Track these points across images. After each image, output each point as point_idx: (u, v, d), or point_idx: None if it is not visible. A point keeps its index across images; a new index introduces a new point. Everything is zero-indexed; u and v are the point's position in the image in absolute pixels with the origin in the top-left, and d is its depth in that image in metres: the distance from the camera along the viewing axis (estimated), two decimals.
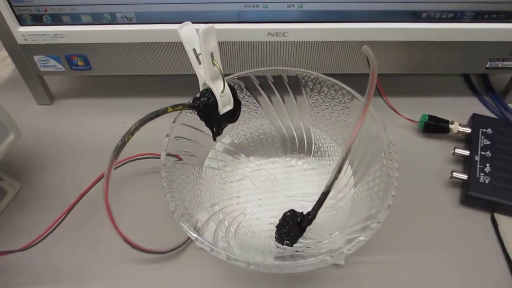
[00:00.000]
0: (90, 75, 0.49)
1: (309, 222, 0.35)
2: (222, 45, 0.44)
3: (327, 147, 0.42)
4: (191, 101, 0.35)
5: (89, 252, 0.40)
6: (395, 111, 0.48)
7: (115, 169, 0.42)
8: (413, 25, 0.43)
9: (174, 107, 0.35)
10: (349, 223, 0.35)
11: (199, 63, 0.35)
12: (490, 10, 0.42)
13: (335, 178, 0.34)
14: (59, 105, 0.53)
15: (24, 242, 0.37)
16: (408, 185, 0.42)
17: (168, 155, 0.35)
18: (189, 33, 0.34)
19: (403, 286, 0.37)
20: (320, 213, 0.34)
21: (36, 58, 0.46)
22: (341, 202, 0.39)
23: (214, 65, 0.34)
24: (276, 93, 0.42)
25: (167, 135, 0.36)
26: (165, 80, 0.53)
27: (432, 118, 0.47)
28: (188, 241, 0.39)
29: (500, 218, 0.41)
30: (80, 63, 0.47)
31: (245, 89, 0.42)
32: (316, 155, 0.43)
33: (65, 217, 0.40)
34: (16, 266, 0.38)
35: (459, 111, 0.48)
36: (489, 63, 0.47)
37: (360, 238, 0.31)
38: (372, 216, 0.32)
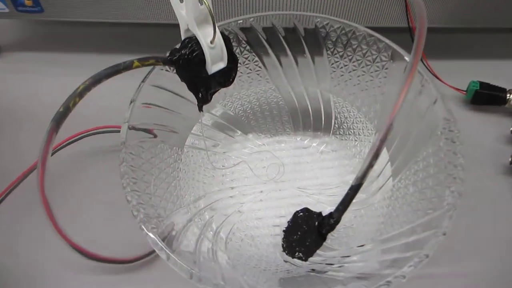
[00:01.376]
0: (42, 20, 0.37)
1: (332, 227, 0.25)
2: None
3: (353, 122, 0.32)
4: (168, 54, 0.25)
5: (28, 256, 0.29)
6: (436, 77, 0.37)
7: (65, 146, 0.32)
8: None
9: (143, 61, 0.24)
10: (388, 229, 0.25)
11: (181, 0, 0.24)
12: None
13: (370, 166, 0.24)
14: (5, 59, 0.41)
15: None
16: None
17: (132, 129, 0.25)
18: None
19: None
20: (345, 213, 0.24)
21: None
22: (373, 199, 0.28)
23: (201, 1, 0.23)
24: (286, 48, 0.31)
25: (132, 101, 0.25)
26: (138, 31, 0.42)
27: (484, 86, 0.36)
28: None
29: None
30: (27, 2, 0.36)
31: (243, 42, 0.31)
32: (337, 133, 0.32)
33: None
34: None
35: None
36: None
37: (415, 259, 0.20)
38: (428, 224, 0.22)
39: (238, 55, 0.30)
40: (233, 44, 0.30)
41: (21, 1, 0.36)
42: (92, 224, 0.30)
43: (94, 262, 0.25)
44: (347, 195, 0.25)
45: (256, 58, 0.31)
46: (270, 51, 0.31)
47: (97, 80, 0.23)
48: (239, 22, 0.29)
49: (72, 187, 0.32)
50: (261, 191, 0.30)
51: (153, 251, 0.28)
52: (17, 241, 0.30)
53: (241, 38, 0.30)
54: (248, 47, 0.31)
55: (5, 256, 0.29)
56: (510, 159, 0.33)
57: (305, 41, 0.30)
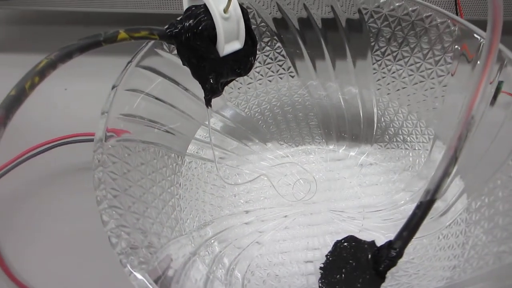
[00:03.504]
0: (11, 8, 0.31)
1: (393, 261, 0.18)
2: None
3: (401, 126, 0.25)
4: (166, 27, 0.18)
5: None
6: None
7: (30, 157, 0.24)
8: None
9: (132, 32, 0.17)
10: (467, 267, 0.18)
11: None
12: None
13: (446, 173, 0.17)
14: None
15: None
16: None
17: (109, 131, 0.17)
18: None
19: None
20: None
21: None
22: (439, 221, 0.21)
23: None
24: (319, 33, 0.24)
25: (114, 86, 0.18)
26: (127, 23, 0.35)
27: None
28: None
29: None
30: None
31: (262, 24, 0.24)
32: (381, 140, 0.25)
33: None
34: None
35: None
36: None
37: None
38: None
39: (257, 38, 0.23)
40: (252, 23, 0.23)
41: None
42: (50, 262, 0.22)
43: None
44: (413, 215, 0.18)
45: (279, 45, 0.24)
46: (297, 36, 0.24)
47: (66, 53, 0.16)
48: None
49: (39, 206, 0.24)
50: (286, 216, 0.22)
51: None
52: None
53: (260, 17, 0.24)
54: (269, 30, 0.24)
55: None
56: None
57: (346, 33, 0.24)
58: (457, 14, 0.30)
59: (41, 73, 0.16)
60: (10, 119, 0.15)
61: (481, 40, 0.20)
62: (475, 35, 0.21)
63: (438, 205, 0.21)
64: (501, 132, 0.20)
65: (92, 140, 0.24)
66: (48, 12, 0.36)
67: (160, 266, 0.15)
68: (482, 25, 0.20)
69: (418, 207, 0.18)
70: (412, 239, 0.17)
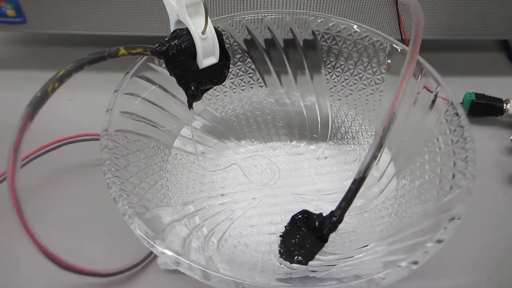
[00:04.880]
0: (25, 32, 0.36)
1: (334, 226, 0.23)
2: None
3: (350, 126, 0.30)
4: (157, 45, 0.23)
5: None
6: (428, 90, 0.36)
7: (43, 154, 0.29)
8: None
9: (130, 49, 0.23)
10: (395, 226, 0.23)
11: None
12: None
13: (374, 157, 0.22)
14: None
15: None
16: None
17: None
18: None
19: None
20: (346, 217, 0.22)
21: None
22: (376, 202, 0.26)
23: None
24: (282, 53, 0.30)
25: (116, 91, 0.23)
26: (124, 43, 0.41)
27: (480, 96, 0.36)
28: (148, 259, 0.26)
29: None
30: (10, 12, 0.35)
31: (236, 42, 0.29)
32: (335, 138, 0.30)
33: None
34: None
35: (506, 91, 0.37)
36: None
37: (428, 244, 0.18)
38: (439, 209, 0.20)
39: (230, 54, 0.29)
40: (225, 42, 0.29)
41: (3, 10, 0.35)
42: (67, 235, 0.27)
43: (70, 275, 0.22)
44: (349, 190, 0.23)
45: (249, 60, 0.30)
46: (264, 53, 0.30)
47: (79, 65, 0.21)
48: (235, 19, 0.28)
49: (51, 196, 0.29)
50: (254, 198, 0.28)
51: (136, 265, 0.25)
52: None
53: (233, 38, 0.29)
54: (241, 48, 0.30)
55: None
56: None
57: (303, 50, 0.30)
58: (401, 34, 0.36)
59: (60, 80, 0.21)
60: (35, 115, 0.20)
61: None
62: (399, 49, 0.26)
63: (376, 188, 0.27)
64: (421, 125, 0.25)
65: (93, 139, 0.30)
66: (56, 35, 0.41)
67: (151, 220, 0.20)
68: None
69: (353, 183, 0.22)
70: (350, 215, 0.22)
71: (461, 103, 0.36)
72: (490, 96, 0.36)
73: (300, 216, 0.25)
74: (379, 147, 0.22)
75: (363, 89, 0.29)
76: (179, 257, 0.16)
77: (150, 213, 0.20)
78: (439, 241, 0.18)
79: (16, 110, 0.31)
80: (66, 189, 0.30)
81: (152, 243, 0.17)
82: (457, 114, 0.23)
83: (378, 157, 0.22)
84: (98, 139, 0.29)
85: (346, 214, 0.22)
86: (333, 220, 0.23)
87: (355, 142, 0.30)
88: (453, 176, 0.21)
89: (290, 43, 0.30)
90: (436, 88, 0.24)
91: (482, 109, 0.36)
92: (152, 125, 0.25)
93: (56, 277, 0.25)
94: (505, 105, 0.35)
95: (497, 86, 0.38)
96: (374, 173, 0.27)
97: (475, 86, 0.37)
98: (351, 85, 0.30)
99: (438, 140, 0.23)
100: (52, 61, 0.39)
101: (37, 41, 0.42)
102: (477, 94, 0.36)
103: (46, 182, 0.30)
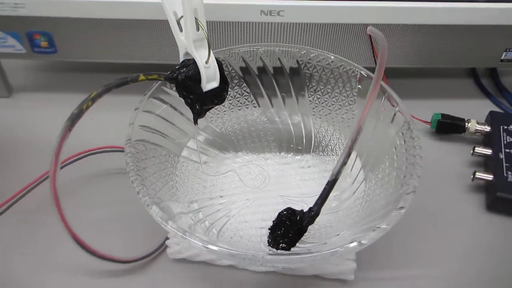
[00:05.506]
0: (55, 60, 0.42)
1: (312, 219, 0.28)
2: (209, 25, 0.38)
3: (330, 140, 0.36)
4: (169, 72, 0.29)
5: (31, 262, 0.31)
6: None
7: (70, 163, 0.35)
8: (422, 5, 0.38)
9: (147, 75, 0.28)
10: (363, 221, 0.28)
11: (180, 29, 0.29)
12: None
13: (344, 163, 0.27)
14: (17, 98, 0.46)
15: None
16: (425, 192, 0.36)
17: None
18: None
19: None
20: (323, 215, 0.27)
21: None
22: (348, 202, 0.32)
23: (198, 28, 0.28)
24: (271, 77, 0.36)
25: (136, 109, 0.29)
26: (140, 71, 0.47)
27: (445, 116, 0.41)
28: (158, 250, 0.31)
29: None
30: (43, 43, 0.41)
31: (233, 71, 0.35)
32: (317, 150, 0.36)
33: (4, 211, 0.32)
34: None
35: (473, 112, 0.42)
36: (504, 54, 0.42)
37: (379, 226, 0.23)
38: (392, 202, 0.25)
39: (229, 80, 0.35)
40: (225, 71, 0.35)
41: (38, 42, 0.41)
42: (89, 231, 0.32)
43: (96, 260, 0.27)
44: (324, 189, 0.28)
45: (245, 85, 0.36)
46: (257, 79, 0.36)
47: (107, 88, 0.27)
48: (233, 51, 0.34)
49: (77, 199, 0.35)
50: (248, 199, 0.33)
51: (149, 254, 0.31)
52: (26, 242, 0.32)
53: (231, 66, 0.35)
54: (237, 75, 0.36)
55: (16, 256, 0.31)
56: (472, 177, 0.37)
57: (290, 77, 0.36)
58: (375, 62, 0.42)
59: (92, 99, 0.27)
60: (73, 127, 0.26)
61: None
62: (366, 75, 0.32)
63: (345, 195, 0.32)
64: (384, 137, 0.31)
65: (112, 151, 0.35)
66: (82, 63, 0.47)
67: (163, 207, 0.26)
68: (389, 71, 0.31)
69: (327, 184, 0.28)
70: (326, 213, 0.28)
71: (429, 122, 0.42)
72: (454, 116, 0.41)
73: (285, 212, 0.30)
74: (348, 154, 0.28)
75: (339, 109, 0.35)
76: (186, 232, 0.22)
77: (163, 204, 0.26)
78: (387, 225, 0.23)
79: (49, 126, 0.38)
80: (91, 191, 0.36)
81: (165, 223, 0.23)
82: (409, 128, 0.28)
83: (347, 162, 0.28)
84: (115, 151, 0.36)
85: (323, 212, 0.28)
86: (311, 214, 0.28)
87: (333, 153, 0.35)
88: (404, 176, 0.27)
89: (279, 71, 0.36)
90: (396, 107, 0.30)
91: (447, 127, 0.41)
92: (164, 137, 0.31)
93: (83, 261, 0.30)
94: (466, 124, 0.41)
95: (464, 108, 0.43)
96: (347, 179, 0.33)
97: (445, 108, 0.42)
98: (329, 106, 0.35)
99: (396, 149, 0.29)
100: (79, 86, 0.45)
101: (65, 68, 0.49)
102: (443, 115, 0.41)
103: (75, 185, 0.36)
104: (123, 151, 0.33)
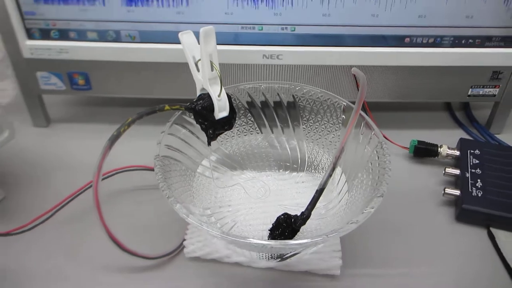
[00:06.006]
0: (90, 95, 0.50)
1: (304, 221, 0.34)
2: (221, 67, 0.46)
3: (320, 160, 0.43)
4: (188, 104, 0.36)
5: (69, 258, 0.38)
6: (386, 138, 0.49)
7: (104, 179, 0.42)
8: (397, 50, 0.46)
9: (171, 106, 0.36)
10: (344, 222, 0.35)
11: (198, 70, 0.36)
12: (467, 35, 0.45)
13: (329, 175, 0.34)
14: (55, 128, 0.53)
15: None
16: (403, 205, 0.43)
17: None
18: (189, 40, 0.36)
19: None
20: (313, 220, 0.34)
21: (38, 74, 0.48)
22: (334, 210, 0.38)
23: (212, 69, 0.36)
24: (272, 110, 0.43)
25: (162, 132, 0.36)
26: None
27: (421, 142, 0.48)
28: (177, 250, 0.38)
29: (497, 232, 0.40)
30: (81, 82, 0.49)
31: (240, 103, 0.43)
32: (309, 169, 0.43)
33: (48, 218, 0.38)
34: None
35: (446, 140, 0.49)
36: (470, 90, 0.49)
37: (354, 220, 0.30)
38: (366, 205, 0.32)
39: (236, 111, 0.42)
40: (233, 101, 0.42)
41: (76, 80, 0.49)
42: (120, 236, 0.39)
43: (128, 257, 0.33)
44: (314, 196, 0.35)
45: (250, 115, 0.43)
46: (260, 111, 0.43)
47: (140, 115, 0.34)
48: (240, 87, 0.42)
49: (108, 209, 0.41)
50: (251, 208, 0.40)
51: (169, 253, 0.37)
52: (68, 241, 0.39)
53: (238, 100, 0.43)
54: (243, 107, 0.43)
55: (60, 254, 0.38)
56: (443, 193, 0.43)
57: (287, 109, 0.43)
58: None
59: (128, 124, 0.34)
60: (112, 146, 0.33)
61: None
62: (348, 106, 0.40)
63: (335, 202, 0.39)
64: (363, 155, 0.38)
65: (139, 170, 0.42)
66: (113, 98, 0.55)
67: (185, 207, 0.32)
68: (374, 105, 0.38)
69: (316, 192, 0.34)
70: (316, 218, 0.34)
71: (408, 148, 0.49)
72: (428, 142, 0.48)
73: (282, 216, 0.36)
74: (333, 168, 0.34)
75: (328, 134, 0.42)
76: (203, 222, 0.29)
77: (185, 205, 0.32)
78: (357, 221, 0.30)
79: (82, 151, 0.46)
80: (121, 202, 0.42)
81: (186, 216, 0.29)
82: (382, 147, 0.35)
83: (332, 175, 0.34)
84: (141, 170, 0.43)
85: (313, 218, 0.34)
86: (303, 216, 0.35)
87: (323, 171, 0.42)
88: (376, 184, 0.33)
89: (278, 104, 0.43)
90: (372, 131, 0.37)
91: (423, 152, 0.48)
92: (184, 155, 0.38)
93: (115, 258, 0.36)
94: (439, 149, 0.48)
95: (440, 136, 0.50)
96: (333, 192, 0.40)
97: (424, 137, 0.49)
98: (320, 132, 0.43)
99: (371, 163, 0.36)
100: (109, 118, 0.53)
101: (98, 102, 0.57)
102: (419, 141, 0.49)
103: (108, 196, 0.43)
104: (147, 170, 0.41)
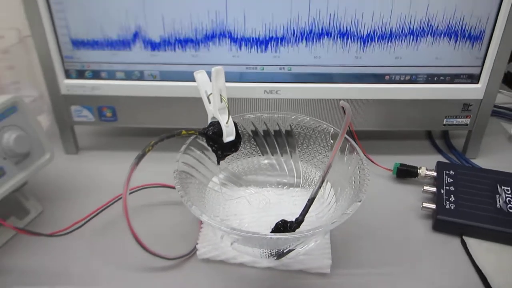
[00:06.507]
0: (116, 126, 0.58)
1: (298, 225, 0.41)
2: (229, 99, 0.54)
3: (313, 178, 0.50)
4: (201, 129, 0.44)
5: (100, 259, 0.44)
6: (373, 162, 0.56)
7: (130, 193, 0.49)
8: (378, 86, 0.54)
9: (188, 130, 0.43)
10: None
11: (209, 102, 0.44)
12: (438, 73, 0.53)
13: (319, 187, 0.41)
14: (83, 155, 0.61)
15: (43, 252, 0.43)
16: (387, 218, 0.50)
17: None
18: (202, 78, 0.45)
19: None
20: (305, 226, 0.41)
21: (72, 108, 0.56)
22: (324, 218, 0.45)
23: (221, 100, 0.44)
24: (273, 137, 0.51)
25: (180, 151, 0.44)
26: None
27: (403, 165, 0.56)
28: (191, 253, 0.44)
29: (468, 240, 0.46)
30: (108, 114, 0.57)
31: (244, 130, 0.51)
32: (304, 185, 0.50)
33: (83, 224, 0.45)
34: (29, 267, 0.43)
35: (427, 164, 0.56)
36: (445, 119, 0.57)
37: (334, 220, 0.37)
38: (347, 208, 0.38)
39: (242, 136, 0.50)
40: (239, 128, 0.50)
41: (104, 113, 0.57)
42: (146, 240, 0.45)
43: (150, 258, 0.40)
44: (306, 205, 0.41)
45: (253, 140, 0.51)
46: (262, 139, 0.51)
47: (161, 139, 0.41)
48: (245, 117, 0.50)
49: (134, 215, 0.48)
50: (253, 216, 0.46)
51: (183, 256, 0.43)
52: (100, 246, 0.46)
53: (243, 127, 0.50)
54: (248, 134, 0.51)
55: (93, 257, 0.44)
56: (421, 207, 0.50)
57: (285, 137, 0.51)
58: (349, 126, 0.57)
59: (152, 145, 0.41)
60: (138, 164, 0.40)
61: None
62: (332, 131, 0.47)
63: (325, 211, 0.45)
64: (347, 171, 0.45)
65: (160, 187, 0.50)
66: (136, 128, 0.64)
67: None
68: (363, 133, 0.46)
69: (308, 201, 0.41)
70: (306, 225, 0.41)
71: (391, 170, 0.56)
72: (409, 165, 0.55)
73: (280, 222, 0.43)
74: (322, 181, 0.41)
75: (319, 155, 0.49)
76: (213, 220, 0.35)
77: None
78: (336, 221, 0.37)
79: (108, 175, 0.54)
80: (144, 213, 0.49)
81: (200, 215, 0.36)
82: (362, 164, 0.42)
83: (321, 186, 0.41)
84: (160, 187, 0.50)
85: (306, 225, 0.41)
86: (298, 221, 0.41)
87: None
88: (357, 192, 0.40)
89: (278, 133, 0.51)
90: (354, 151, 0.44)
91: (405, 173, 0.55)
92: (197, 171, 0.45)
93: (140, 258, 0.42)
94: (419, 170, 0.54)
95: (421, 161, 0.57)
96: (324, 203, 0.46)
97: (406, 161, 0.56)
98: (312, 154, 0.50)
99: (354, 178, 0.43)
100: (131, 146, 0.60)
101: (122, 132, 0.65)
102: (401, 164, 0.56)
103: (132, 208, 0.49)
104: (166, 188, 0.48)
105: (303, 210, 0.41)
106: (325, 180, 0.42)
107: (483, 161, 0.60)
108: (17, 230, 0.43)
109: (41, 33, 0.51)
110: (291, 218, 0.44)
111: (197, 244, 0.44)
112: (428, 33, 0.51)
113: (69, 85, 0.54)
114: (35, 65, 0.60)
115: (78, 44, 0.52)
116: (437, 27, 0.51)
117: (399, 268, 0.44)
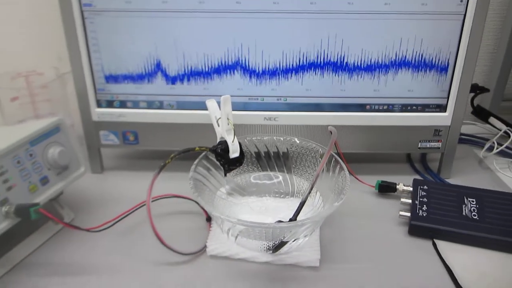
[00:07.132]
0: (137, 149, 0.68)
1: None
2: (235, 125, 0.64)
3: (305, 188, 0.59)
4: (212, 147, 0.54)
5: (123, 254, 0.52)
6: (358, 179, 0.65)
7: (153, 201, 0.58)
8: (360, 114, 0.64)
9: (201, 147, 0.53)
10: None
11: (218, 125, 0.54)
12: (410, 104, 0.63)
13: (309, 192, 0.50)
14: (108, 174, 0.70)
15: (78, 246, 0.51)
16: (369, 225, 0.58)
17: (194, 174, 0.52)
18: (212, 105, 0.55)
19: (363, 284, 0.50)
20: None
21: (101, 133, 0.66)
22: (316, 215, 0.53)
23: (228, 123, 0.53)
24: (272, 159, 0.60)
25: (194, 163, 0.53)
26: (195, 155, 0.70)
27: (384, 181, 0.64)
28: (201, 250, 0.53)
29: (439, 242, 0.54)
30: (131, 138, 0.67)
31: (247, 150, 0.60)
32: (298, 195, 0.59)
33: (113, 224, 0.54)
34: (67, 260, 0.51)
35: (405, 182, 0.65)
36: (420, 143, 0.66)
37: (319, 215, 0.45)
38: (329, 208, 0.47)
39: (244, 155, 0.59)
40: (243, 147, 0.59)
41: (128, 137, 0.67)
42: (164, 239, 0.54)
43: (168, 253, 0.49)
44: (298, 207, 0.50)
45: (255, 159, 0.60)
46: (264, 159, 0.60)
47: (179, 153, 0.51)
48: (248, 139, 0.59)
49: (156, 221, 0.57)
50: (254, 219, 0.55)
51: (195, 253, 0.52)
52: (125, 244, 0.54)
53: (247, 147, 0.60)
54: (250, 153, 0.60)
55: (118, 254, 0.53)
56: (398, 215, 0.58)
57: (283, 158, 0.60)
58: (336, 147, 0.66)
59: (171, 158, 0.51)
60: (159, 173, 0.49)
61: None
62: (321, 151, 0.56)
63: (308, 215, 0.54)
64: (332, 181, 0.54)
65: (176, 198, 0.59)
66: (155, 150, 0.73)
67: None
68: (351, 156, 0.56)
69: (299, 204, 0.50)
70: (303, 220, 0.49)
71: (374, 186, 0.65)
72: (389, 182, 0.64)
73: (277, 221, 0.52)
74: (311, 188, 0.50)
75: (310, 170, 0.58)
76: (221, 213, 0.44)
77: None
78: (327, 210, 0.45)
79: (129, 191, 0.63)
80: (164, 218, 0.58)
81: (207, 209, 0.45)
82: (344, 175, 0.51)
83: (311, 192, 0.50)
84: (177, 197, 0.59)
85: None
86: (291, 220, 0.50)
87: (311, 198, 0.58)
88: (338, 195, 0.49)
89: (276, 154, 0.60)
90: (338, 165, 0.53)
91: (385, 188, 0.64)
92: (208, 181, 0.54)
93: (158, 254, 0.50)
94: (397, 186, 0.63)
95: (400, 180, 0.66)
96: (314, 208, 0.55)
97: (387, 179, 0.65)
98: (305, 169, 0.59)
99: (337, 185, 0.52)
100: (150, 166, 0.70)
101: (142, 154, 0.75)
102: (382, 181, 0.64)
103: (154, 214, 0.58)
104: (182, 198, 0.57)
105: (295, 211, 0.50)
106: (314, 189, 0.51)
107: (456, 181, 0.68)
108: (64, 224, 0.52)
109: (80, 69, 0.62)
110: (286, 219, 0.53)
111: (206, 242, 0.53)
112: (401, 67, 0.62)
113: (100, 113, 0.64)
114: (69, 98, 0.71)
115: (109, 78, 0.63)
116: (410, 65, 0.61)
117: (379, 265, 0.51)
